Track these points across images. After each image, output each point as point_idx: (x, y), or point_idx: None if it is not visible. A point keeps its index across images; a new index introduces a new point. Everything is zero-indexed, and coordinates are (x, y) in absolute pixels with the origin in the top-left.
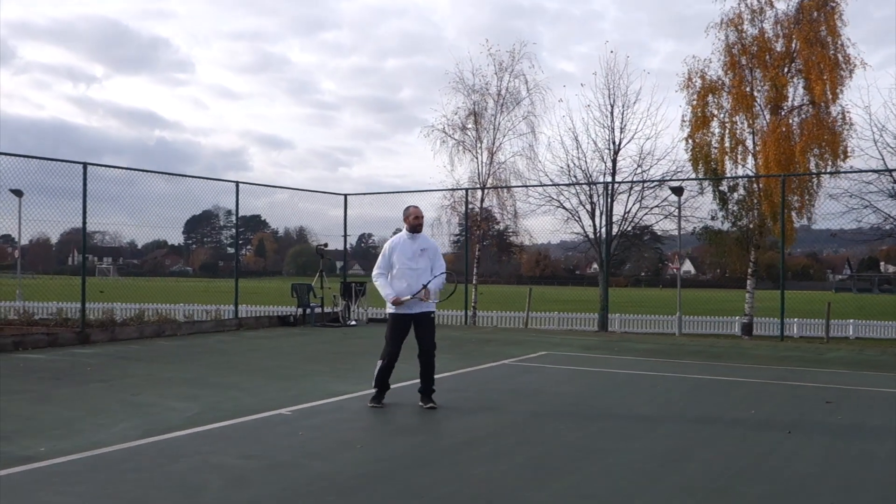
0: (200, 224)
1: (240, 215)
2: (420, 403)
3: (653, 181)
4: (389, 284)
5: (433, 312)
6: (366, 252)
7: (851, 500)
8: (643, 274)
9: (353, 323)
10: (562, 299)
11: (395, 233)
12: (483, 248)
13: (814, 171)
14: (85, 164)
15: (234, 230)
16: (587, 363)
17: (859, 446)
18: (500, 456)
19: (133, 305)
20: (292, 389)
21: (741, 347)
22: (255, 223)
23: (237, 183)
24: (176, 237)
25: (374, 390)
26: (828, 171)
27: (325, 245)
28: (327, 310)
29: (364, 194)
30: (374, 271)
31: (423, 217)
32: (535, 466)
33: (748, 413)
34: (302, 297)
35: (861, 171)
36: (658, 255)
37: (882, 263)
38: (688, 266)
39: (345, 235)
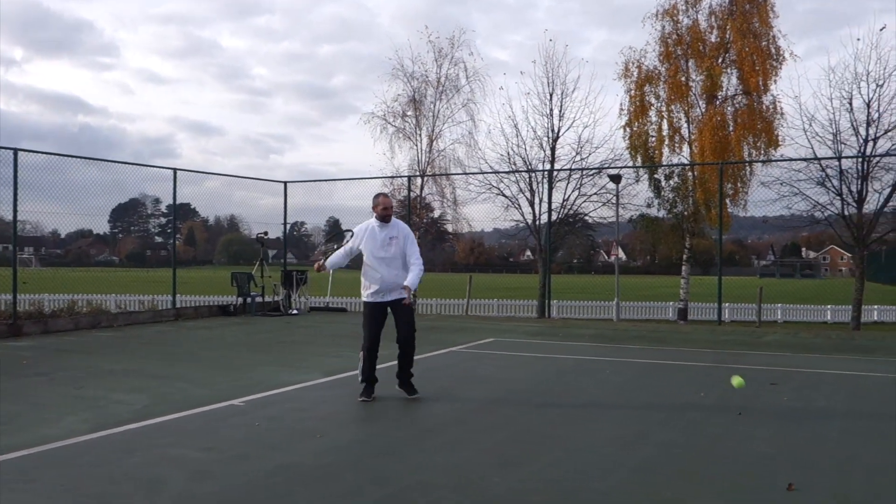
0: (127, 212)
1: (169, 203)
2: (399, 389)
3: (592, 169)
4: (338, 256)
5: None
6: (298, 241)
7: (807, 478)
8: (575, 261)
9: (295, 312)
10: (498, 286)
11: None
12: (420, 236)
13: (749, 159)
14: (15, 150)
15: (161, 219)
16: (535, 349)
17: (809, 427)
18: (462, 443)
19: (62, 296)
20: (242, 380)
21: (681, 332)
22: (184, 211)
23: (175, 170)
24: (101, 226)
25: (361, 384)
26: (761, 159)
27: (266, 234)
28: (268, 299)
29: (304, 181)
30: (328, 258)
31: (392, 207)
32: (499, 453)
33: (698, 396)
34: (242, 287)
35: (794, 159)
36: (590, 243)
37: (804, 249)
38: (619, 252)
39: (284, 224)
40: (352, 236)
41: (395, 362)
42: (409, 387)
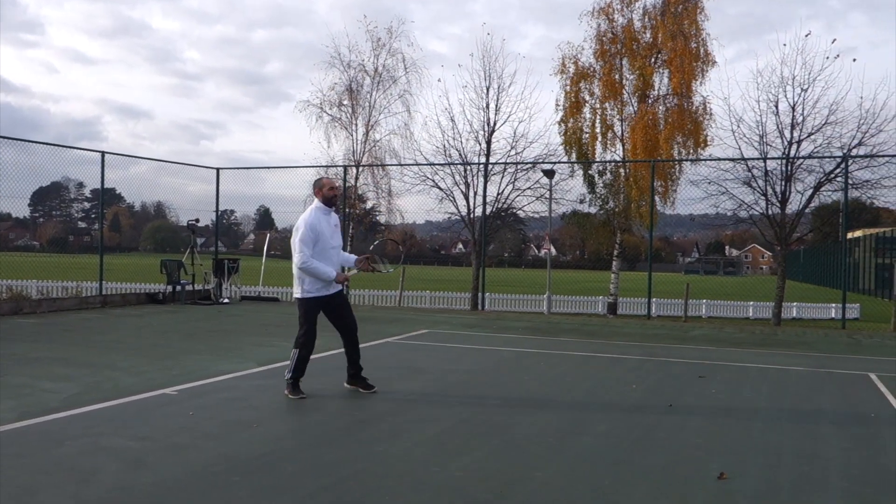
0: (49, 196)
1: (94, 188)
2: (349, 385)
3: (526, 163)
4: (321, 263)
5: (345, 289)
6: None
7: (739, 465)
8: (506, 254)
9: (226, 301)
10: (430, 278)
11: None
12: (353, 226)
13: (681, 158)
14: None
15: (85, 203)
16: (469, 341)
17: (735, 418)
18: (399, 434)
19: None
20: (174, 369)
21: (612, 326)
22: (109, 197)
23: (103, 153)
24: (21, 210)
25: (290, 380)
26: (692, 157)
27: (197, 221)
28: (198, 287)
29: (238, 168)
30: (302, 255)
31: (338, 189)
32: (436, 444)
33: (630, 388)
34: (172, 274)
35: (722, 158)
36: (521, 237)
37: (727, 247)
38: (550, 248)
39: (217, 211)
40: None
41: (335, 355)
42: (365, 381)
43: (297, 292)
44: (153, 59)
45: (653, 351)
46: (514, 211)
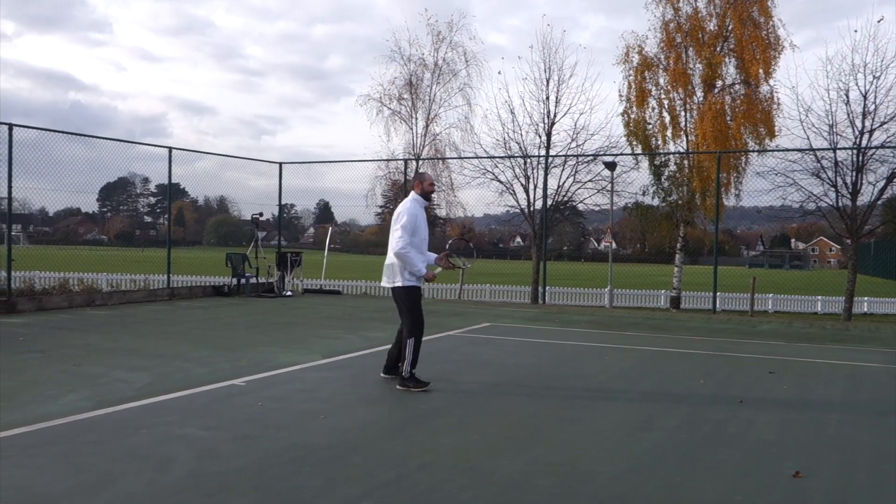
0: (115, 191)
1: (159, 183)
2: (392, 375)
3: (587, 155)
4: (418, 256)
5: None
6: (288, 223)
7: (813, 463)
8: (565, 248)
9: (289, 294)
10: (488, 272)
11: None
12: None
13: (747, 149)
14: (10, 126)
15: (150, 198)
16: (533, 335)
17: (808, 414)
18: (467, 426)
19: (53, 274)
20: (241, 360)
21: (677, 320)
22: (174, 191)
23: (170, 148)
24: (90, 204)
25: (410, 372)
26: (758, 149)
27: (261, 215)
28: (262, 280)
29: (300, 163)
30: (402, 240)
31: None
32: (504, 436)
33: (698, 384)
34: (237, 267)
35: (790, 149)
36: (580, 230)
37: (793, 240)
38: (611, 242)
39: (280, 205)
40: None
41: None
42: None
43: (397, 282)
44: (217, 55)
45: (720, 346)
46: (574, 204)
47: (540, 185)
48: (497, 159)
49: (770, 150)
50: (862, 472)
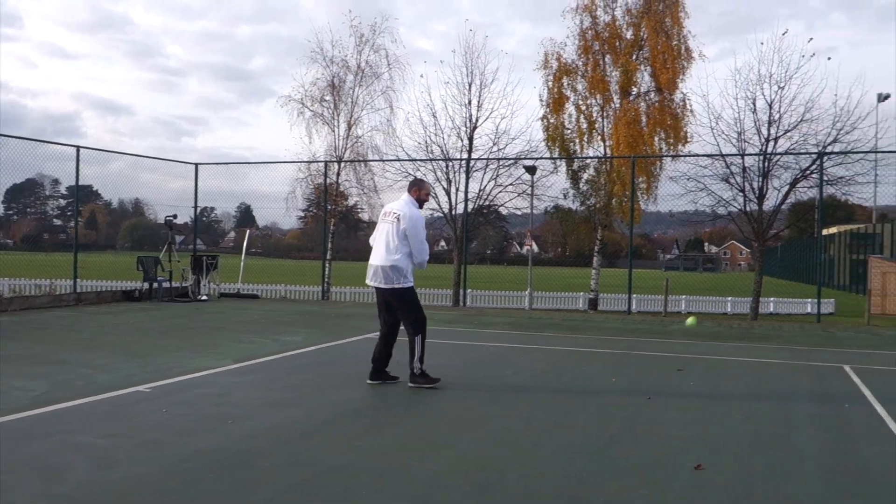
0: (23, 193)
1: (69, 185)
2: (383, 381)
3: (508, 159)
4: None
5: None
6: (208, 226)
7: (715, 456)
8: (489, 252)
9: (205, 298)
10: None
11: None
12: (335, 223)
13: (660, 154)
14: None
15: (60, 200)
16: (452, 336)
17: (713, 409)
18: (381, 428)
19: None
20: (149, 366)
21: (593, 321)
22: (85, 193)
23: (78, 147)
24: None
25: (422, 368)
26: (671, 154)
27: (175, 217)
28: (176, 284)
29: (217, 164)
30: (427, 250)
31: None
32: (418, 437)
33: (609, 382)
34: (149, 271)
35: (701, 155)
36: (503, 234)
37: (706, 244)
38: (532, 244)
39: (195, 207)
40: None
41: (314, 351)
42: (388, 374)
43: (401, 283)
44: (134, 53)
45: (632, 345)
46: (496, 208)
47: (462, 188)
48: (418, 162)
49: (682, 156)
50: (760, 463)
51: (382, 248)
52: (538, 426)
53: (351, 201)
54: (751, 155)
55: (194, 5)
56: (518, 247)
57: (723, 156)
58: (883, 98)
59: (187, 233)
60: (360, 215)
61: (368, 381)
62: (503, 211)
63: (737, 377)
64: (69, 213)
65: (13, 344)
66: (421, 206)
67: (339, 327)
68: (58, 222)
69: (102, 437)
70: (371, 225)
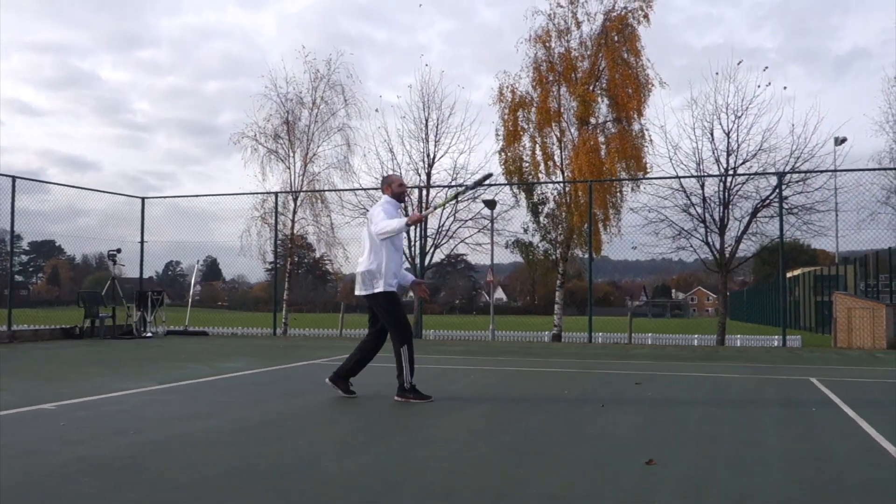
0: None
1: (32, 240)
2: (338, 388)
3: (467, 187)
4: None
5: None
6: (173, 280)
7: (671, 453)
8: (458, 301)
9: (149, 335)
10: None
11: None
12: (298, 275)
13: (618, 177)
14: None
15: (23, 256)
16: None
17: (671, 413)
18: (299, 434)
19: None
20: (64, 388)
21: (553, 348)
22: (48, 249)
23: (14, 178)
24: None
25: (411, 384)
26: (628, 178)
27: (119, 250)
28: (120, 324)
29: (164, 197)
30: (380, 219)
31: (406, 186)
32: (337, 442)
33: (562, 393)
34: (90, 307)
35: (660, 178)
36: (472, 283)
37: (673, 291)
38: (500, 294)
39: (141, 242)
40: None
41: (255, 374)
42: (348, 386)
43: (376, 287)
44: (101, 109)
45: (590, 365)
46: (464, 256)
47: (420, 228)
48: (373, 192)
49: (640, 179)
50: (720, 460)
51: (362, 255)
52: (476, 431)
53: (318, 253)
54: (710, 176)
55: (163, 62)
56: (487, 296)
57: (679, 177)
58: (840, 142)
59: (142, 265)
60: (326, 267)
61: (326, 380)
62: (462, 248)
63: (697, 388)
64: (31, 269)
65: None
66: (400, 200)
67: (284, 356)
68: (20, 278)
69: None
70: (336, 276)
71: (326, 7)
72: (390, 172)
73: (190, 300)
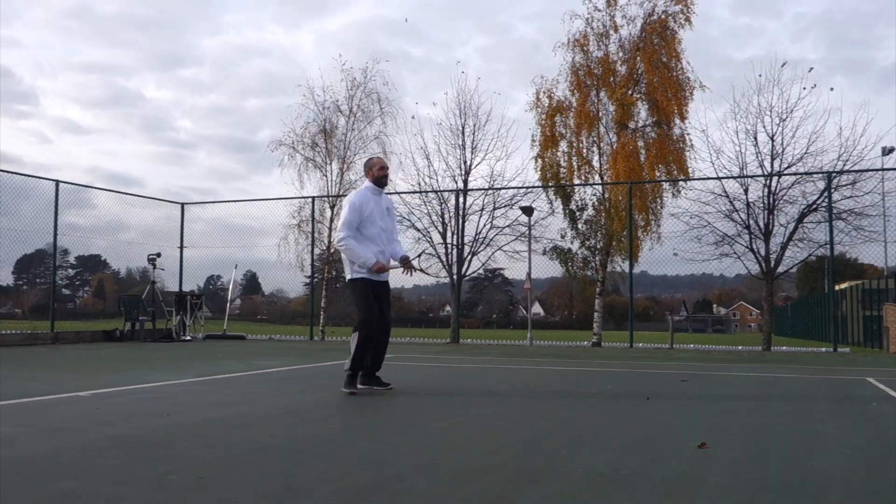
0: (32, 264)
1: (78, 255)
2: (371, 386)
3: (505, 188)
4: (362, 247)
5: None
6: (214, 294)
7: (722, 438)
8: (494, 316)
9: (188, 339)
10: (414, 335)
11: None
12: (336, 289)
13: (659, 187)
14: None
15: (69, 270)
16: (438, 361)
17: (720, 405)
18: (329, 419)
19: None
20: (99, 379)
21: (594, 352)
22: (94, 263)
23: (57, 182)
24: (5, 277)
25: (347, 371)
26: (668, 178)
27: (158, 254)
28: (160, 327)
29: (203, 203)
30: (341, 233)
31: (388, 168)
32: (368, 426)
33: (604, 387)
34: (130, 311)
35: (700, 178)
36: (509, 298)
37: (715, 305)
38: (537, 308)
39: (181, 247)
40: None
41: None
42: (379, 379)
43: (347, 273)
44: (146, 127)
45: (633, 365)
46: (501, 271)
47: (457, 232)
48: (413, 206)
49: (679, 180)
50: (775, 445)
51: None
52: (511, 418)
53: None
54: (756, 176)
55: (205, 80)
56: (524, 311)
57: (720, 178)
58: (888, 151)
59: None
60: None
61: (358, 385)
62: (508, 275)
63: (745, 385)
64: (77, 283)
65: None
66: (381, 185)
67: (318, 356)
68: (66, 292)
69: (11, 427)
70: None
71: (364, 24)
72: (373, 156)
73: (228, 303)
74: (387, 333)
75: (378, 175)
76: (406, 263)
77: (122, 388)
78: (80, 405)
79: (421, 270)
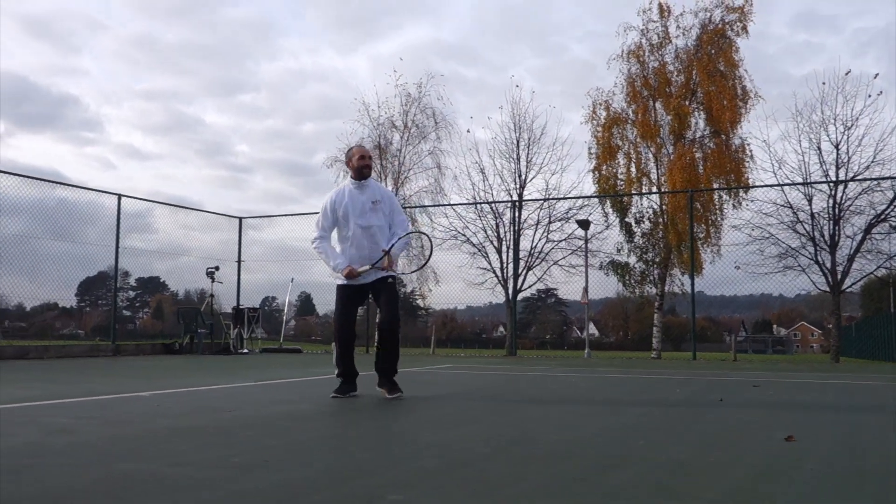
0: (95, 285)
1: (139, 277)
2: (379, 389)
3: (559, 198)
4: (335, 250)
5: (391, 277)
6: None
7: (807, 434)
8: (548, 336)
9: (245, 352)
10: (467, 355)
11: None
12: None
13: (719, 198)
14: None
15: (130, 292)
16: (496, 370)
17: (798, 407)
18: (396, 414)
19: None
20: (159, 384)
21: (655, 362)
22: (153, 285)
23: (119, 196)
24: (69, 299)
25: (337, 378)
26: (733, 196)
27: (217, 268)
28: (217, 341)
29: (259, 217)
30: (313, 237)
31: (370, 157)
32: (432, 420)
33: (673, 392)
34: (189, 324)
35: (762, 185)
36: (563, 318)
37: (775, 326)
38: (592, 329)
39: (238, 261)
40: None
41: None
42: (392, 384)
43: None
44: (205, 152)
45: (699, 374)
46: (555, 291)
47: (512, 245)
48: (468, 221)
49: (741, 188)
50: (867, 441)
51: None
52: (581, 413)
53: (408, 288)
54: (821, 182)
55: (262, 105)
56: (578, 332)
57: (781, 185)
58: None
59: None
60: (415, 302)
61: (387, 396)
62: (562, 295)
63: (822, 391)
64: (137, 305)
65: (31, 374)
66: (362, 175)
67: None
68: (127, 313)
69: (70, 419)
70: (427, 312)
71: (418, 47)
72: (353, 145)
73: (284, 324)
74: (393, 333)
75: (358, 165)
76: (374, 265)
77: (182, 390)
78: (142, 402)
79: (390, 269)
